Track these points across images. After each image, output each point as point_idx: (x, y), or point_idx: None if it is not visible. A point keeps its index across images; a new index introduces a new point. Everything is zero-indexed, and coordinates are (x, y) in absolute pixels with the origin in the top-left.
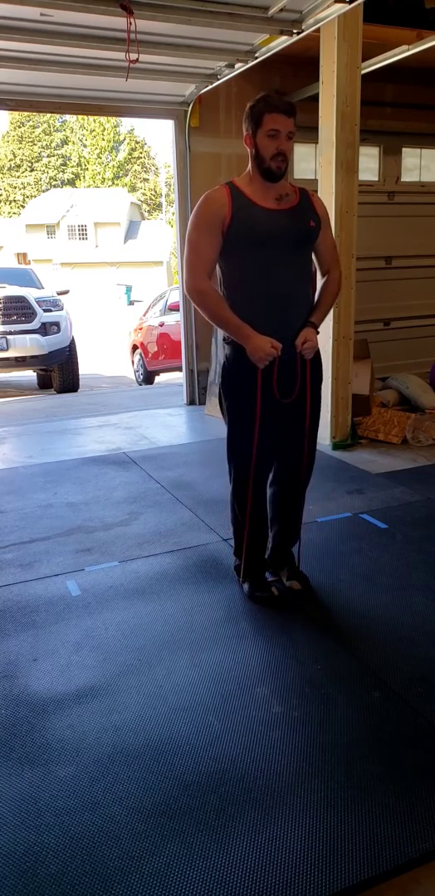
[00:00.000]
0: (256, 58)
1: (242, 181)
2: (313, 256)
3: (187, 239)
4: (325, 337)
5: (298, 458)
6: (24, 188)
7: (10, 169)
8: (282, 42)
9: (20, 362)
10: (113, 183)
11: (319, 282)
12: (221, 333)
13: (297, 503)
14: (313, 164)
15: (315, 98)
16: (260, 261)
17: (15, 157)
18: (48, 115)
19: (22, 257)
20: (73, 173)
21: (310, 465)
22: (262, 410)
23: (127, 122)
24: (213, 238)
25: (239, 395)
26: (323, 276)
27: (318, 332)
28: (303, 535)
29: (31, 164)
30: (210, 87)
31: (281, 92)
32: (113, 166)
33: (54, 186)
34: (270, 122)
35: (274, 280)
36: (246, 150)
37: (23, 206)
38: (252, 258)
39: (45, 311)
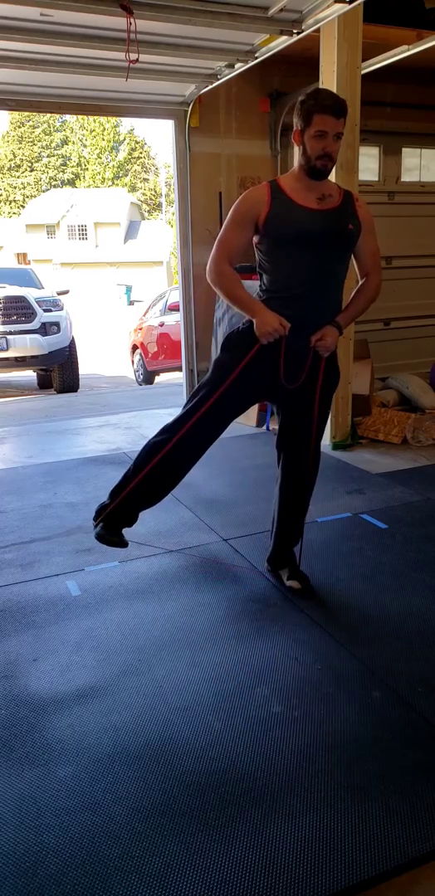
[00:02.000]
0: (256, 58)
1: (287, 178)
2: (353, 261)
3: (222, 227)
4: None
5: (305, 458)
6: (24, 188)
7: (10, 169)
8: (282, 42)
9: (20, 362)
10: (113, 183)
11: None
12: (220, 333)
13: (301, 504)
14: None
15: None
16: (294, 257)
17: (15, 157)
18: (48, 115)
19: (22, 257)
20: (73, 173)
21: (315, 466)
22: (237, 381)
23: (127, 122)
24: (242, 231)
25: (231, 355)
26: (361, 279)
27: (341, 334)
28: (303, 534)
29: (31, 164)
30: (210, 87)
31: (281, 91)
32: (113, 166)
33: (54, 186)
34: (318, 123)
35: (305, 277)
36: (293, 144)
37: (23, 206)
38: (286, 253)
39: (45, 311)
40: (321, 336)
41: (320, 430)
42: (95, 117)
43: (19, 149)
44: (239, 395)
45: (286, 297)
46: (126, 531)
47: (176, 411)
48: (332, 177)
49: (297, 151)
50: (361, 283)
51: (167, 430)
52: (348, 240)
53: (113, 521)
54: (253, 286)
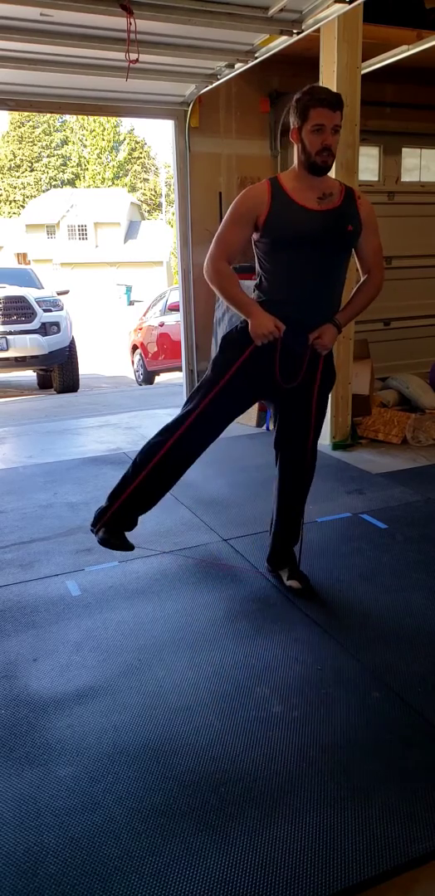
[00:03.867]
0: (256, 58)
1: (287, 176)
2: (355, 258)
3: (221, 225)
4: None
5: (303, 457)
6: (24, 188)
7: (10, 169)
8: (282, 42)
9: (20, 362)
10: (113, 183)
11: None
12: (220, 333)
13: (299, 503)
14: None
15: None
16: (292, 257)
17: (15, 157)
18: (48, 115)
19: (22, 257)
20: (73, 173)
21: (312, 465)
22: (232, 381)
23: (127, 122)
24: (241, 230)
25: (226, 357)
26: (363, 276)
27: (340, 331)
28: (303, 534)
29: (31, 164)
30: (210, 87)
31: (281, 91)
32: (113, 166)
33: (54, 186)
34: (315, 117)
35: (304, 277)
36: (293, 144)
37: (23, 206)
38: (285, 253)
39: (45, 311)
40: (319, 334)
41: (318, 430)
42: (95, 117)
43: (19, 149)
44: (235, 394)
45: (285, 297)
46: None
47: (176, 411)
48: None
49: (296, 150)
50: (362, 280)
51: (165, 432)
52: (348, 240)
53: (114, 525)
54: (250, 286)
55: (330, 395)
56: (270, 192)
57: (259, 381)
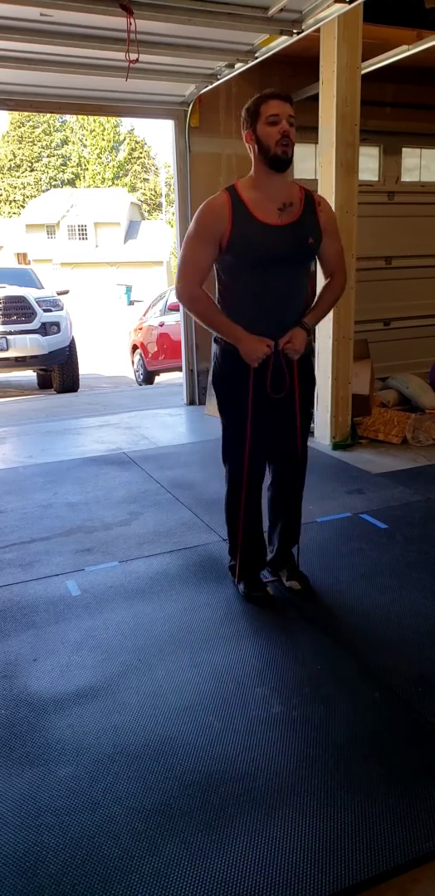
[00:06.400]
0: (256, 58)
1: (246, 185)
2: (318, 262)
3: (184, 244)
4: (325, 337)
5: (293, 459)
6: (24, 188)
7: (10, 169)
8: (282, 42)
9: (20, 362)
10: (113, 183)
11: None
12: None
13: (294, 504)
14: (313, 164)
15: (315, 98)
16: (256, 277)
17: (15, 157)
18: (48, 115)
19: (22, 257)
20: (73, 173)
21: (303, 466)
22: (254, 409)
23: (127, 122)
24: (209, 249)
25: (232, 394)
26: (326, 279)
27: (309, 333)
28: (303, 534)
29: (31, 164)
30: (210, 87)
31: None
32: (113, 166)
33: (54, 186)
34: (267, 110)
35: (270, 293)
36: (248, 151)
37: (23, 206)
38: (248, 274)
39: (45, 311)
40: (289, 339)
41: (305, 431)
42: (95, 117)
43: (19, 149)
44: (260, 413)
45: (254, 316)
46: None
47: (176, 411)
48: (332, 173)
49: (253, 156)
50: (326, 283)
51: (232, 484)
52: (310, 253)
53: (249, 573)
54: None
55: (330, 396)
56: (231, 207)
57: (257, 399)
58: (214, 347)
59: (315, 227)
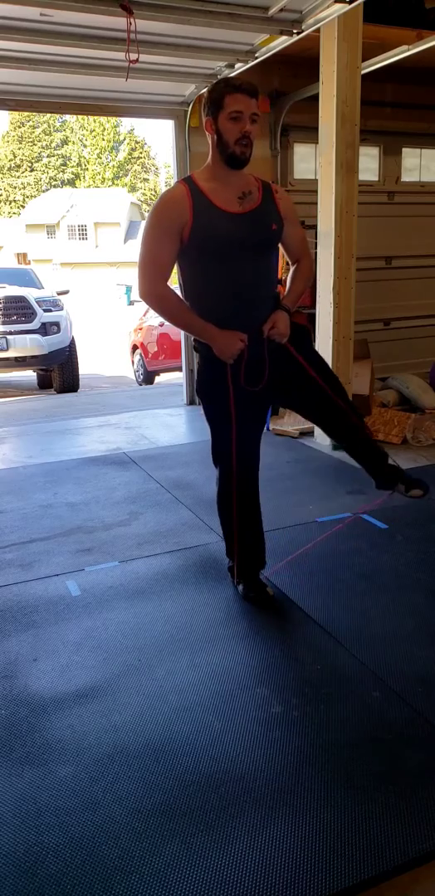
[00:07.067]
0: (256, 58)
1: (203, 176)
2: (282, 250)
3: (143, 240)
4: (325, 337)
5: (334, 407)
6: (24, 188)
7: (10, 169)
8: (282, 42)
9: (20, 362)
10: (113, 183)
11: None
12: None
13: (362, 432)
14: (313, 164)
15: (315, 98)
16: (222, 267)
17: (15, 157)
18: (48, 115)
19: (22, 257)
20: (73, 173)
21: (346, 402)
22: (238, 409)
23: (127, 122)
24: (171, 243)
25: (214, 398)
26: (292, 265)
27: (291, 316)
28: (303, 534)
29: (31, 164)
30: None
31: (281, 91)
32: (113, 166)
33: (54, 186)
34: (231, 104)
35: (237, 284)
36: (207, 137)
37: (23, 206)
38: (214, 265)
39: (45, 311)
40: (272, 324)
41: (330, 380)
42: (95, 117)
43: (19, 149)
44: (246, 411)
45: (224, 310)
46: None
47: (176, 411)
48: (332, 172)
49: (210, 144)
50: (293, 268)
51: (223, 486)
52: (274, 239)
53: (247, 574)
54: None
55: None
56: (190, 198)
57: (240, 399)
58: (197, 356)
59: (276, 213)
